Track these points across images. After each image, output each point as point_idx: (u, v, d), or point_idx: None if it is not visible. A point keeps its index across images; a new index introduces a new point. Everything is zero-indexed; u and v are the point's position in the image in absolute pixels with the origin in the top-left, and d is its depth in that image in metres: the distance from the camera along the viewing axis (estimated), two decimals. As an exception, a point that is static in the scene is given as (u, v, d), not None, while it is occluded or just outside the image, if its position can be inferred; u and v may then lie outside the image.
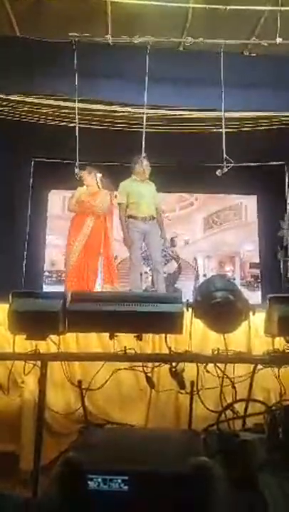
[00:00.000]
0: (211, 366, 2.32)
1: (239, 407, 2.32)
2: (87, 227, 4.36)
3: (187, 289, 6.38)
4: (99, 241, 4.46)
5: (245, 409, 2.25)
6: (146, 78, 4.45)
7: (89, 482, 1.06)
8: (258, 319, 2.53)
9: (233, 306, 2.15)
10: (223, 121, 4.64)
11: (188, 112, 4.92)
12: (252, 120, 5.00)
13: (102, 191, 4.59)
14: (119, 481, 1.05)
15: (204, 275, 6.98)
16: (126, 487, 1.06)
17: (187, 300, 2.32)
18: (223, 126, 4.62)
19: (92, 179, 4.49)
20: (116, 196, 4.59)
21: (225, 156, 4.45)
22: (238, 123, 4.96)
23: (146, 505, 1.05)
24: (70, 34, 4.48)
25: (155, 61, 4.50)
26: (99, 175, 4.56)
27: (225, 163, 4.44)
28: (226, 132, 4.61)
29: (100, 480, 1.06)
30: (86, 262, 4.35)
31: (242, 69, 4.89)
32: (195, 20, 4.56)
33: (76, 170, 4.41)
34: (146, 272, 5.70)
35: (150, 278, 5.25)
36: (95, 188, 4.55)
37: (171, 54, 4.87)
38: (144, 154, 4.45)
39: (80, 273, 4.31)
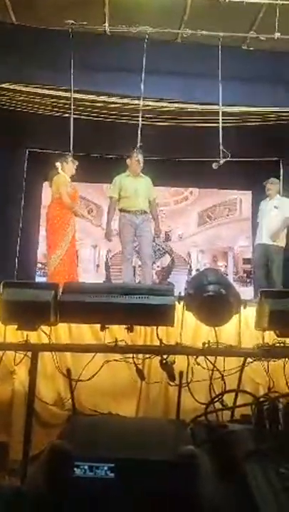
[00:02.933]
0: (201, 359, 2.33)
1: (228, 399, 2.34)
2: (73, 224, 4.28)
3: (180, 283, 6.40)
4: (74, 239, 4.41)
5: (234, 401, 2.27)
6: (143, 69, 4.41)
7: (75, 469, 1.07)
8: (249, 313, 2.55)
9: (224, 300, 2.16)
10: (220, 114, 4.62)
11: (185, 105, 4.90)
12: (249, 115, 5.00)
13: (75, 186, 4.47)
14: (106, 468, 1.06)
15: (197, 269, 7.00)
16: (112, 474, 1.06)
17: (179, 293, 2.33)
18: (220, 120, 4.61)
19: (72, 169, 4.32)
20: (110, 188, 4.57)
21: (221, 148, 4.45)
22: (235, 117, 4.95)
23: (132, 492, 1.06)
24: (66, 21, 4.41)
25: (152, 52, 4.46)
26: (76, 162, 4.34)
27: (221, 156, 4.44)
28: (222, 126, 4.60)
29: (86, 467, 1.06)
30: (71, 259, 4.31)
31: (240, 63, 4.87)
32: (194, 12, 4.52)
33: (74, 161, 4.33)
34: (139, 266, 5.71)
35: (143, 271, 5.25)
36: (71, 181, 4.37)
37: (169, 46, 4.83)
38: (138, 146, 4.42)
39: (67, 268, 4.24)
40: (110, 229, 4.39)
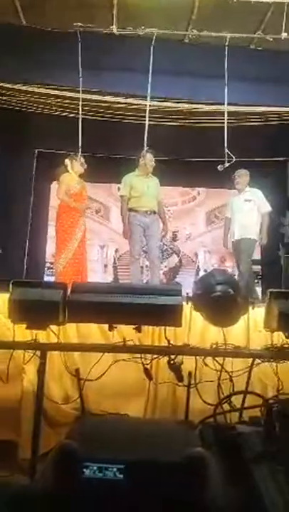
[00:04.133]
0: (209, 360, 2.33)
1: (236, 401, 2.33)
2: (82, 224, 4.30)
3: (187, 284, 6.38)
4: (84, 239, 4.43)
5: (243, 402, 2.26)
6: (150, 70, 4.41)
7: (84, 470, 1.07)
8: (257, 314, 2.54)
9: (233, 300, 2.16)
10: (225, 114, 4.61)
11: (192, 105, 4.88)
12: (255, 115, 4.97)
13: (85, 185, 4.48)
14: (115, 469, 1.06)
15: (205, 270, 6.97)
16: (121, 476, 1.07)
17: (187, 293, 2.32)
18: (226, 120, 4.59)
19: (80, 167, 4.35)
20: (119, 189, 4.58)
21: (226, 151, 4.43)
22: (241, 117, 4.93)
23: (141, 494, 1.06)
24: (75, 24, 4.44)
25: (159, 53, 4.46)
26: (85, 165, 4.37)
27: (226, 158, 4.42)
28: (229, 126, 4.58)
29: (95, 468, 1.07)
30: (80, 259, 4.32)
31: (247, 63, 4.84)
32: (201, 12, 4.51)
33: (81, 159, 4.35)
34: (146, 266, 5.70)
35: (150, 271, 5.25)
36: (80, 178, 4.39)
37: (175, 46, 4.82)
38: (146, 148, 4.43)
39: (75, 269, 4.26)
40: (127, 227, 4.36)
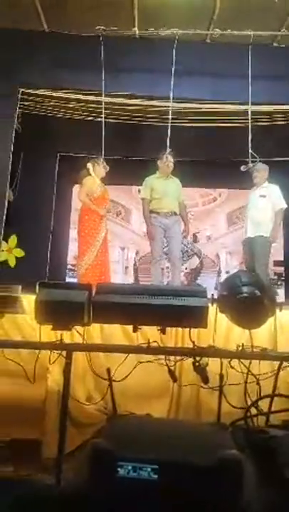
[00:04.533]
0: (235, 362, 2.29)
1: (263, 404, 2.29)
2: (104, 226, 4.32)
3: (209, 285, 6.31)
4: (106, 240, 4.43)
5: (270, 406, 2.22)
6: (173, 71, 4.41)
7: (118, 469, 1.07)
8: (284, 316, 2.49)
9: (259, 302, 2.13)
10: (249, 114, 4.55)
11: (215, 106, 4.84)
12: (281, 114, 4.88)
13: (107, 189, 4.49)
14: (149, 469, 1.05)
15: (227, 272, 6.89)
16: (156, 476, 1.06)
17: (212, 294, 2.30)
18: (250, 120, 4.54)
19: (102, 170, 4.37)
20: (139, 191, 4.58)
21: (250, 151, 4.37)
22: (266, 117, 4.85)
23: (176, 495, 1.05)
24: (97, 27, 4.49)
25: (182, 54, 4.45)
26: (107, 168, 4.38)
27: (250, 157, 4.36)
28: (253, 126, 4.53)
29: (129, 467, 1.06)
30: (103, 261, 4.35)
31: (271, 61, 4.77)
32: (222, 12, 4.48)
33: (103, 163, 4.38)
34: (167, 267, 5.68)
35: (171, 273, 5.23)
36: (102, 182, 4.40)
37: (198, 46, 4.80)
38: (168, 150, 4.43)
39: (98, 271, 4.29)
40: (150, 229, 4.34)
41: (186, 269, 7.00)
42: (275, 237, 4.31)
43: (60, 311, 2.22)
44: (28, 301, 2.65)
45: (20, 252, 5.25)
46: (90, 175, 4.36)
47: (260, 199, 4.28)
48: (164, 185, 4.40)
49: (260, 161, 4.48)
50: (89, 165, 4.38)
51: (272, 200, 4.26)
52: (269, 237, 4.20)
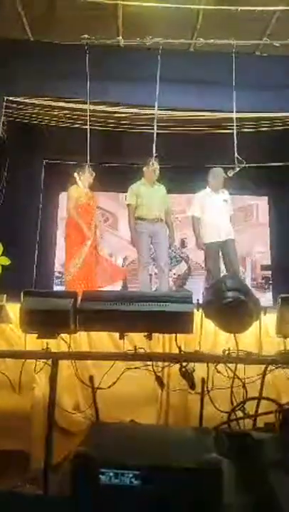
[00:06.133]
0: (221, 366, 2.30)
1: (250, 407, 2.30)
2: (91, 234, 4.33)
3: (197, 290, 6.35)
4: (96, 244, 4.45)
5: (256, 409, 2.23)
6: (158, 80, 4.46)
7: (100, 476, 1.07)
8: (269, 320, 2.51)
9: (244, 306, 2.14)
10: (234, 121, 4.63)
11: (199, 113, 4.92)
12: (264, 120, 4.98)
13: (93, 196, 4.53)
14: (131, 475, 1.05)
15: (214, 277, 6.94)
16: (137, 482, 1.06)
17: (198, 300, 2.31)
18: (234, 127, 4.61)
19: (88, 177, 4.39)
20: (126, 197, 4.61)
21: (236, 156, 4.44)
22: (250, 123, 4.94)
23: (158, 500, 1.05)
24: (82, 37, 4.53)
25: (166, 62, 4.51)
26: (92, 173, 4.42)
27: (236, 163, 4.43)
28: (237, 133, 4.60)
29: (111, 474, 1.06)
30: (90, 266, 4.36)
31: (254, 69, 4.87)
32: (206, 21, 4.57)
33: (89, 169, 4.40)
34: (155, 273, 5.70)
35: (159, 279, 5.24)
36: (89, 190, 4.45)
37: (182, 55, 4.88)
38: (154, 156, 4.46)
39: (86, 277, 4.30)
40: (136, 236, 4.37)
41: (174, 274, 7.03)
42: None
43: (46, 320, 2.21)
44: (14, 310, 2.63)
45: (6, 260, 5.21)
46: (77, 184, 4.38)
47: (224, 203, 4.49)
48: (150, 192, 4.43)
49: (245, 166, 4.56)
50: (75, 174, 4.40)
51: (229, 204, 4.54)
52: (234, 240, 4.45)
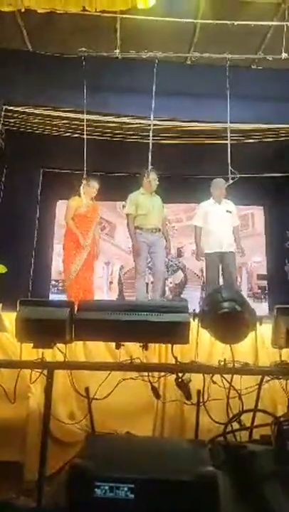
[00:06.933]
0: (217, 377, 2.30)
1: (246, 419, 2.29)
2: (88, 244, 4.36)
3: (193, 300, 6.36)
4: (94, 254, 4.47)
5: (252, 420, 2.23)
6: (154, 91, 4.52)
7: (96, 489, 1.06)
8: (264, 330, 2.52)
9: (240, 317, 2.15)
10: (228, 133, 4.69)
11: (195, 124, 4.97)
12: (259, 132, 5.05)
13: (96, 204, 4.58)
14: (126, 488, 1.05)
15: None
16: (132, 495, 1.05)
17: (194, 310, 2.32)
18: (229, 138, 4.67)
19: (92, 191, 4.46)
20: (123, 206, 4.64)
21: (230, 168, 4.49)
22: (245, 135, 5.01)
23: (153, 513, 1.04)
24: (79, 49, 4.59)
25: (162, 74, 4.57)
26: (96, 185, 4.47)
27: (231, 174, 4.48)
28: (233, 144, 4.66)
29: (106, 488, 1.05)
30: (86, 275, 4.38)
31: (249, 82, 4.96)
32: (202, 35, 4.64)
33: (92, 182, 4.44)
34: (152, 282, 5.71)
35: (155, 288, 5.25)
36: (91, 200, 4.49)
37: (178, 68, 4.95)
38: (150, 167, 4.51)
39: (83, 285, 4.33)
40: (137, 244, 4.38)
41: (170, 283, 7.05)
42: (243, 251, 4.54)
43: (42, 329, 2.20)
44: (10, 319, 2.62)
45: (2, 268, 5.20)
46: (79, 195, 4.43)
47: (227, 214, 4.48)
48: (149, 202, 4.46)
49: (240, 177, 4.60)
50: (81, 187, 4.44)
51: (233, 215, 4.51)
52: (234, 252, 4.46)
